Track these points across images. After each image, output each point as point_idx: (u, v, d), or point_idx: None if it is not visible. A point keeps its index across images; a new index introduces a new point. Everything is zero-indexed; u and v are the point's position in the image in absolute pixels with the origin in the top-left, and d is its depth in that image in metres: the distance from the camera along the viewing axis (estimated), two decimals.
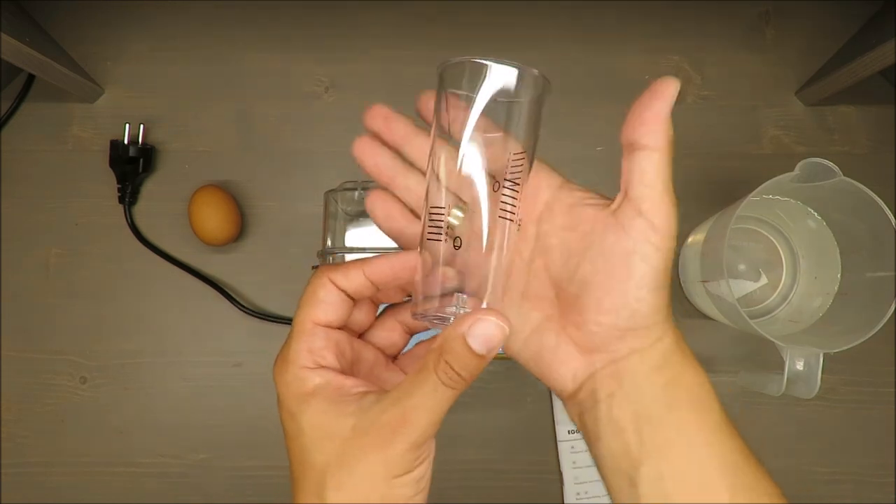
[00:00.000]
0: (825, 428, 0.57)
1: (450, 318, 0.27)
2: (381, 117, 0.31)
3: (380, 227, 0.32)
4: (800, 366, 0.45)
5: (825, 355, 0.44)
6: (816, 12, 0.62)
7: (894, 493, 0.56)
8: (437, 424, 0.26)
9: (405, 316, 0.32)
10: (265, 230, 0.60)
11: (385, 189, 0.32)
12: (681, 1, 0.62)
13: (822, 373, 0.44)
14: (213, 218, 0.56)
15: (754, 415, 0.57)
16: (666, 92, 0.26)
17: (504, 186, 0.28)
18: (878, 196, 0.44)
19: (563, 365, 0.29)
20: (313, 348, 0.28)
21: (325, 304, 0.28)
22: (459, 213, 0.28)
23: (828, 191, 0.47)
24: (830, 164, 0.44)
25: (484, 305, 0.27)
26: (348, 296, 0.29)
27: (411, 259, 0.29)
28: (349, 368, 0.30)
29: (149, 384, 0.58)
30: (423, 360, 0.25)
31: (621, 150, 0.28)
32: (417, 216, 0.31)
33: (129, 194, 0.59)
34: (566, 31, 0.62)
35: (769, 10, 0.62)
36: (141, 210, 0.60)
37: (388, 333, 0.32)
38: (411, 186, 0.31)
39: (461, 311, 0.27)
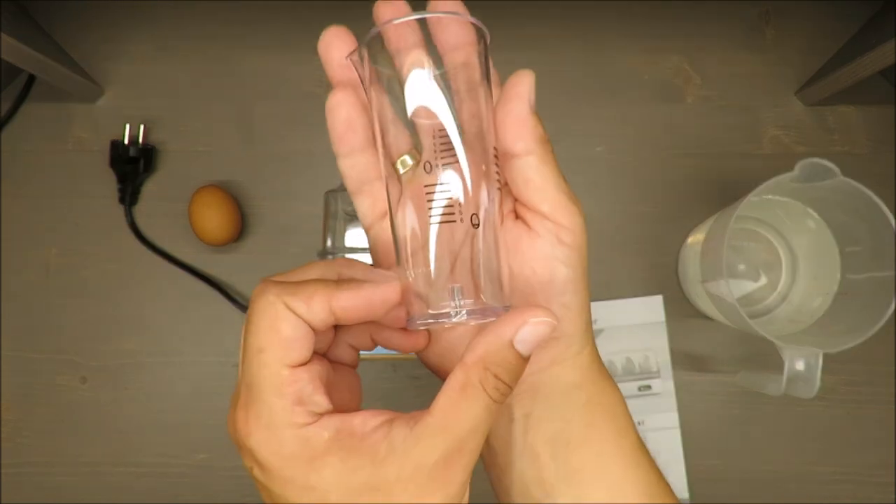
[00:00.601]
0: (825, 428, 0.57)
1: (451, 316, 0.24)
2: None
3: (334, 137, 0.26)
4: (800, 366, 0.45)
5: (825, 355, 0.44)
6: (816, 12, 0.62)
7: (894, 493, 0.56)
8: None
9: (362, 336, 0.28)
10: (265, 230, 0.60)
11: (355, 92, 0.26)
12: (681, 1, 0.62)
13: (822, 373, 0.44)
14: (213, 218, 0.56)
15: (754, 415, 0.57)
16: (521, 90, 0.24)
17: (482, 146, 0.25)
18: (878, 196, 0.44)
19: None
20: (303, 398, 0.22)
21: (295, 341, 0.23)
22: (409, 161, 0.25)
23: (828, 191, 0.47)
24: (830, 164, 0.44)
25: (485, 297, 0.24)
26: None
27: (391, 293, 0.24)
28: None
29: (149, 384, 0.58)
30: (459, 373, 0.22)
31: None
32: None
33: (129, 194, 0.59)
34: (566, 31, 0.62)
35: (769, 10, 0.62)
36: (141, 210, 0.60)
37: (347, 352, 0.28)
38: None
39: (461, 309, 0.24)
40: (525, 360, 0.23)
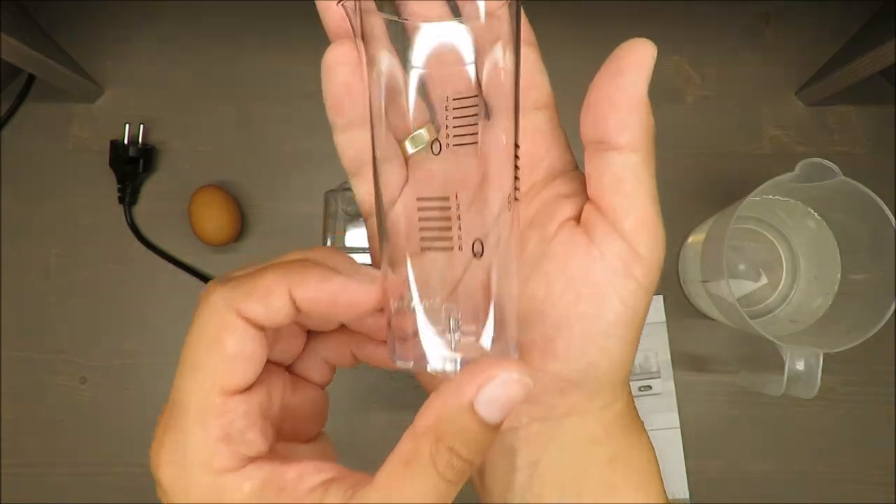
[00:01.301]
0: (825, 428, 0.57)
1: (451, 362, 0.19)
2: None
3: (330, 104, 0.21)
4: (800, 366, 0.45)
5: (825, 355, 0.44)
6: (816, 12, 0.62)
7: (894, 493, 0.56)
8: None
9: (340, 350, 0.23)
10: (265, 230, 0.60)
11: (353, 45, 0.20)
12: (681, 1, 0.62)
13: (822, 373, 0.44)
14: (213, 218, 0.56)
15: (754, 415, 0.57)
16: (641, 61, 0.19)
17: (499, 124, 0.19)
18: (878, 196, 0.44)
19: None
20: (232, 434, 0.18)
21: (240, 359, 0.18)
22: (425, 136, 0.19)
23: (828, 191, 0.47)
24: (830, 164, 0.44)
25: (487, 343, 0.19)
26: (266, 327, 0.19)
27: (364, 295, 0.19)
28: (280, 432, 0.21)
29: (149, 384, 0.58)
30: (408, 441, 0.17)
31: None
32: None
33: (129, 194, 0.59)
34: (566, 31, 0.62)
35: (769, 11, 0.62)
36: (141, 210, 0.60)
37: (319, 368, 0.23)
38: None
39: (455, 355, 0.19)
40: (492, 428, 0.17)
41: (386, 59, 0.19)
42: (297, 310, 0.19)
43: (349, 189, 0.54)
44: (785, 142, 0.60)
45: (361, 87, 0.20)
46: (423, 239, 0.19)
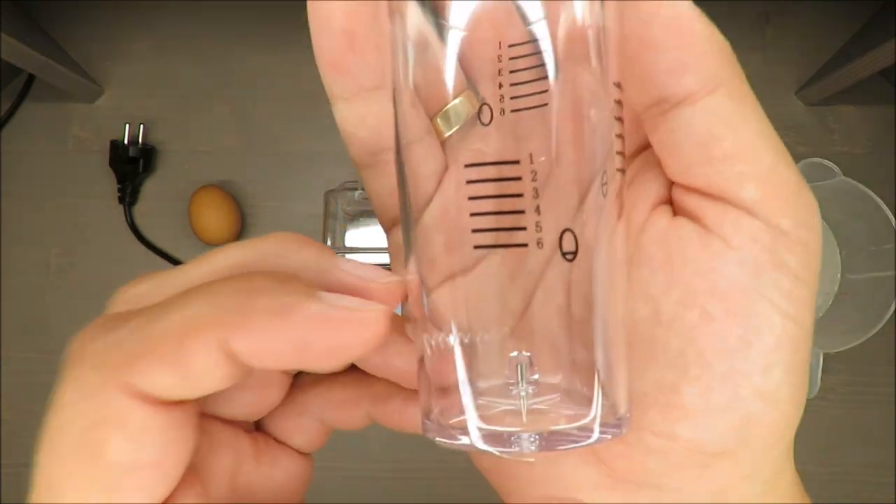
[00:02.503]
0: (825, 428, 0.57)
1: (516, 443, 0.12)
2: None
3: (325, 61, 0.14)
4: None
5: (825, 355, 0.44)
6: (816, 12, 0.62)
7: (894, 493, 0.56)
8: None
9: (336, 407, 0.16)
10: (265, 230, 0.60)
11: None
12: None
13: (822, 373, 0.44)
14: (213, 218, 0.56)
15: None
16: None
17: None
18: (878, 196, 0.44)
19: (565, 491, 0.15)
20: None
21: (134, 471, 0.12)
22: (462, 109, 0.13)
23: (828, 191, 0.47)
24: (830, 164, 0.44)
25: (588, 406, 0.12)
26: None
27: (377, 324, 0.12)
28: None
29: None
30: None
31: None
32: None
33: (129, 194, 0.59)
34: None
35: (769, 10, 0.62)
36: (141, 210, 0.60)
37: (306, 429, 0.16)
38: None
39: (527, 433, 0.12)
40: None
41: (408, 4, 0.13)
42: (242, 367, 0.12)
43: (349, 189, 0.54)
44: (785, 142, 0.60)
45: (370, 31, 0.13)
46: (476, 235, 0.12)
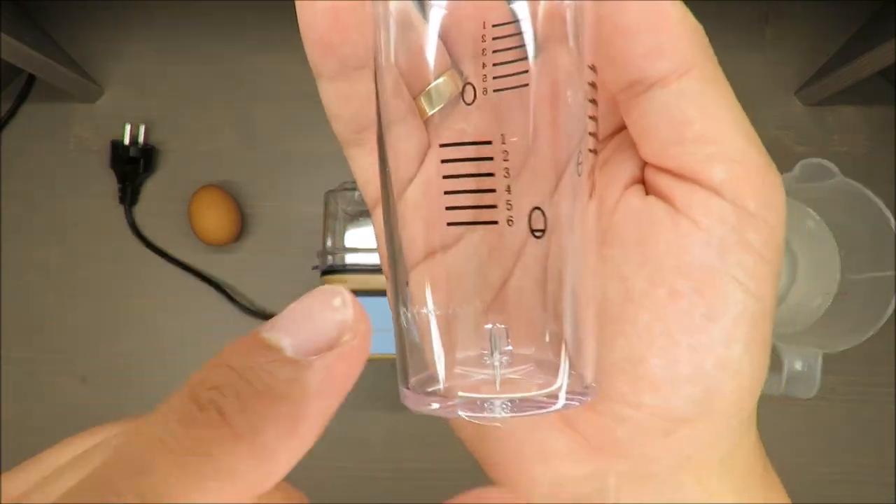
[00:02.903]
0: (825, 428, 0.57)
1: (477, 406, 0.13)
2: None
3: (311, 39, 0.16)
4: (799, 366, 0.45)
5: (825, 355, 0.44)
6: (816, 12, 0.62)
7: (894, 493, 0.56)
8: None
9: None
10: (265, 230, 0.60)
11: None
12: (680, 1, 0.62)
13: (822, 373, 0.44)
14: (213, 218, 0.56)
15: None
16: None
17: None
18: (878, 196, 0.44)
19: (542, 464, 0.16)
20: None
21: None
22: (445, 88, 0.13)
23: (828, 191, 0.47)
24: (830, 164, 0.44)
25: (557, 373, 0.13)
26: None
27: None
28: None
29: (149, 384, 0.58)
30: None
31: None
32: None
33: (129, 194, 0.59)
34: None
35: (769, 11, 0.62)
36: (141, 210, 0.60)
37: None
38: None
39: (499, 396, 0.13)
40: None
41: None
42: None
43: (349, 189, 0.54)
44: (784, 142, 0.60)
45: (355, 9, 0.14)
46: (449, 212, 0.13)
